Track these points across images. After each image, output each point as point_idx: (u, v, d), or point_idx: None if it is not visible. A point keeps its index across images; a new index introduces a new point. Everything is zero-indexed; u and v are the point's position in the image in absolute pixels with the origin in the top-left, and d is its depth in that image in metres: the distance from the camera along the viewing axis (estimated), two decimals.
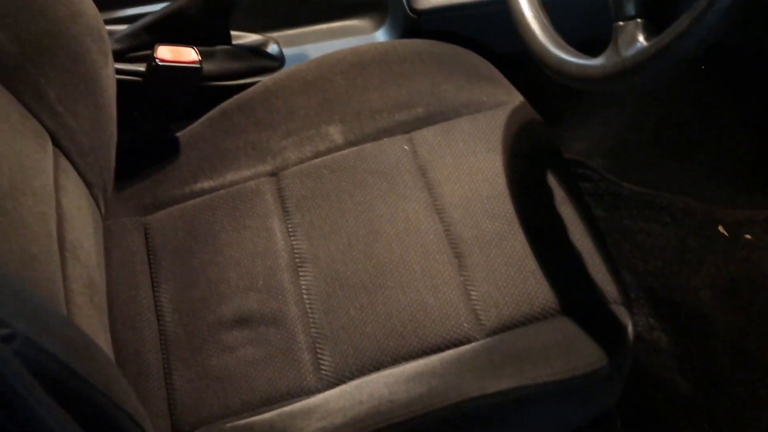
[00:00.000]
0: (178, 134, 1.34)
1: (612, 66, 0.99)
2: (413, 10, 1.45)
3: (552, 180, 1.23)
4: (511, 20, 1.13)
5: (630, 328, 1.11)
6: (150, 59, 1.27)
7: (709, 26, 0.88)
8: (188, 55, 1.31)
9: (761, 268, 1.66)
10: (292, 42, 1.47)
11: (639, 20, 0.99)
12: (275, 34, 1.47)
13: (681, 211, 1.74)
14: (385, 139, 1.28)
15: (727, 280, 1.66)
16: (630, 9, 0.99)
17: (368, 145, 1.27)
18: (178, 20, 1.34)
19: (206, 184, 1.28)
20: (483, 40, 1.46)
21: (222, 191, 1.26)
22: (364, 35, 1.48)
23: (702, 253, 1.69)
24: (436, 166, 1.25)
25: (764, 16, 1.05)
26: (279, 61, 1.43)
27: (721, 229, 1.72)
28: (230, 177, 1.27)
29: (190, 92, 1.32)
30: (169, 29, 1.34)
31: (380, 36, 1.49)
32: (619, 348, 1.09)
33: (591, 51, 1.03)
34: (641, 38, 0.98)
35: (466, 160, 1.25)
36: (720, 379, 1.56)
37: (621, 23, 1.00)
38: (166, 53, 1.28)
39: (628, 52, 0.97)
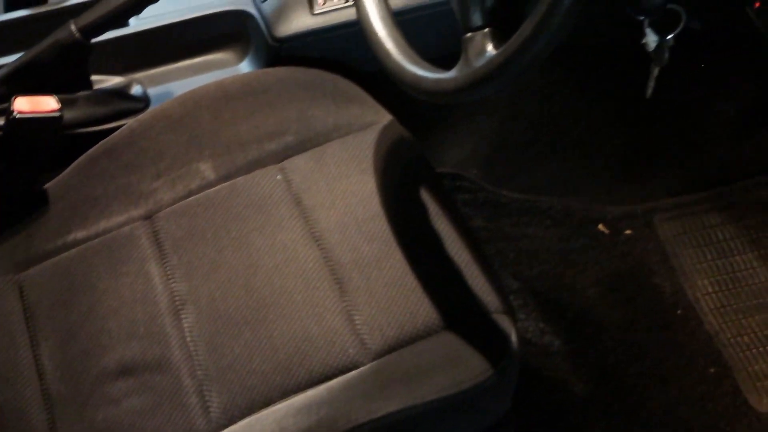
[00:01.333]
0: (47, 186, 1.31)
1: (464, 77, 0.99)
2: (275, 39, 1.45)
3: (426, 195, 1.24)
4: (366, 40, 1.13)
5: (513, 336, 1.11)
6: (8, 112, 1.24)
7: (553, 28, 0.89)
8: (48, 104, 1.28)
9: (643, 261, 1.69)
10: (155, 81, 1.45)
11: (486, 30, 1.00)
12: (138, 75, 1.45)
13: (561, 212, 1.76)
14: (257, 171, 1.27)
15: (612, 277, 1.68)
16: (477, 20, 1.00)
17: (241, 179, 1.26)
18: (35, 69, 1.31)
19: (79, 234, 1.25)
20: (347, 62, 1.46)
21: (96, 240, 1.23)
22: (228, 68, 1.47)
23: (585, 253, 1.71)
24: (309, 192, 1.24)
25: (612, 12, 1.08)
26: (143, 102, 1.41)
27: (601, 227, 1.75)
28: (103, 224, 1.25)
29: (53, 142, 1.29)
30: (26, 79, 1.31)
31: (244, 67, 1.48)
32: (504, 357, 1.10)
33: (450, 65, 1.04)
34: (490, 47, 0.99)
35: (339, 183, 1.25)
36: (613, 373, 1.58)
37: (469, 34, 1.01)
38: (24, 104, 1.25)
39: (479, 63, 0.98)
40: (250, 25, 1.47)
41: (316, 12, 1.44)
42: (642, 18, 1.05)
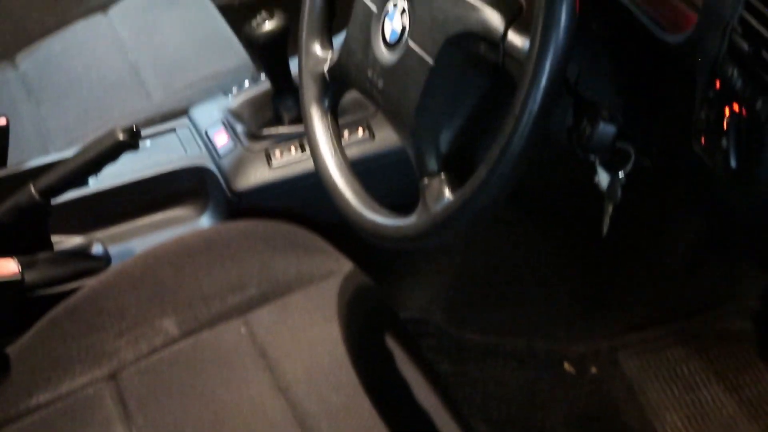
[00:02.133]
0: (7, 349, 1.29)
1: (423, 223, 1.01)
2: (234, 193, 1.46)
3: (391, 342, 1.24)
4: (325, 190, 1.15)
5: None
6: None
7: (506, 171, 0.91)
8: (7, 267, 1.27)
9: (611, 399, 1.69)
10: (116, 239, 1.46)
11: (442, 175, 1.02)
12: (98, 234, 1.45)
13: (526, 353, 1.76)
14: (220, 325, 1.26)
15: (581, 416, 1.67)
16: (432, 165, 1.03)
17: (204, 333, 1.25)
18: None
19: (42, 398, 1.22)
20: (306, 212, 1.47)
21: (59, 404, 1.21)
22: (188, 223, 1.48)
23: (552, 393, 1.71)
24: (275, 344, 1.23)
25: (563, 153, 1.10)
26: (104, 260, 1.41)
27: (567, 366, 1.75)
28: (66, 387, 1.23)
29: (14, 305, 1.28)
30: None
31: (204, 222, 1.49)
32: None
33: (409, 211, 1.06)
34: (447, 192, 1.01)
35: (304, 334, 1.25)
36: None
37: (426, 180, 1.03)
38: None
39: (437, 208, 1.00)
40: (209, 180, 1.49)
41: (274, 165, 1.47)
42: (592, 157, 1.08)
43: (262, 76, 1.60)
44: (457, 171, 1.02)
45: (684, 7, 1.04)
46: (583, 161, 1.09)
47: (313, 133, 1.19)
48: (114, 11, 1.95)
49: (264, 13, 1.45)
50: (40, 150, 1.70)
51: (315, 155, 1.18)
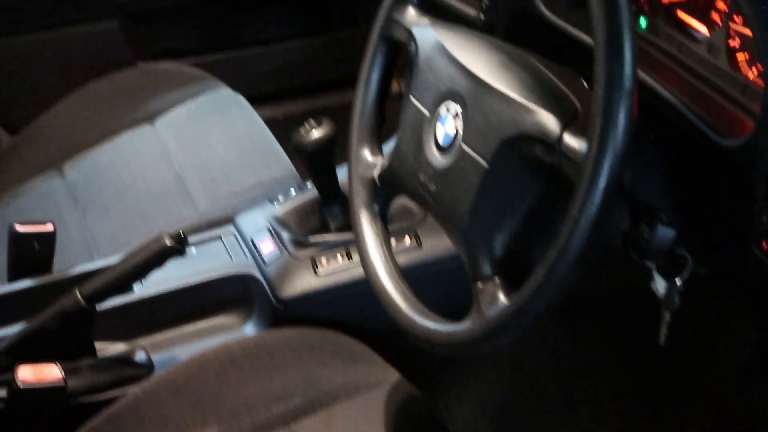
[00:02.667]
0: None
1: (478, 328, 0.99)
2: (279, 300, 1.45)
3: None
4: (375, 296, 1.13)
5: None
6: (10, 382, 1.22)
7: (563, 274, 0.90)
8: (51, 373, 1.26)
9: None
10: (159, 347, 1.44)
11: (497, 279, 1.00)
12: (142, 341, 1.44)
13: None
14: None
15: None
16: (486, 269, 1.01)
17: None
18: (40, 337, 1.30)
19: None
20: (352, 320, 1.46)
21: None
22: (233, 331, 1.47)
23: None
24: None
25: (619, 258, 1.08)
26: (147, 368, 1.39)
27: None
28: None
29: (56, 412, 1.26)
30: (30, 347, 1.30)
31: (249, 330, 1.47)
32: None
33: (460, 316, 1.04)
34: (502, 297, 0.99)
35: None
36: None
37: (480, 285, 1.01)
38: (27, 374, 1.24)
39: (491, 312, 0.98)
40: (254, 287, 1.48)
41: (320, 273, 1.46)
42: (649, 263, 1.06)
43: (308, 184, 1.61)
44: (511, 274, 1.00)
45: (740, 113, 1.03)
46: (638, 267, 1.07)
47: (363, 238, 1.18)
48: (160, 122, 1.98)
49: (312, 121, 1.46)
50: (85, 257, 1.70)
51: (364, 260, 1.16)
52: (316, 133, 1.44)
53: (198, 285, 1.46)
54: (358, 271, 1.45)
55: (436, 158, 1.07)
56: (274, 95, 2.36)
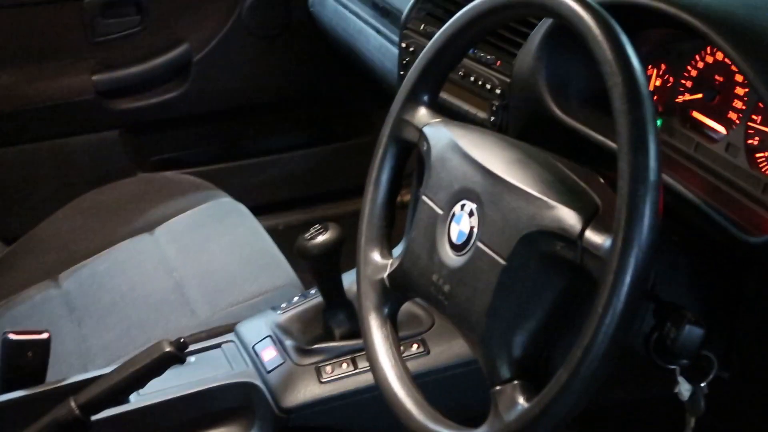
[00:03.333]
0: None
1: None
2: (281, 409, 1.40)
3: None
4: (383, 404, 1.08)
5: None
6: None
7: (588, 377, 0.86)
8: None
9: None
10: None
11: (516, 382, 0.96)
12: None
13: None
14: None
15: None
16: (504, 372, 0.97)
17: None
18: None
19: None
20: (357, 429, 1.40)
21: None
22: None
23: None
24: None
25: (644, 362, 1.04)
26: None
27: None
28: None
29: None
30: None
31: None
32: None
33: (474, 424, 0.99)
34: (521, 400, 0.94)
35: None
36: None
37: (498, 388, 0.97)
38: None
39: (510, 417, 0.93)
40: (256, 396, 1.43)
41: (324, 380, 1.41)
42: (673, 366, 1.01)
43: (312, 291, 1.57)
44: (531, 376, 0.96)
45: (762, 211, 1.01)
46: (659, 371, 1.02)
47: (372, 342, 1.13)
48: (160, 231, 1.95)
49: (318, 226, 1.43)
50: (80, 368, 1.65)
51: (374, 365, 1.12)
52: (321, 238, 1.41)
53: (197, 394, 1.41)
54: (363, 379, 1.40)
55: (451, 257, 1.04)
56: (275, 205, 2.34)
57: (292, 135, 2.38)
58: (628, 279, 0.83)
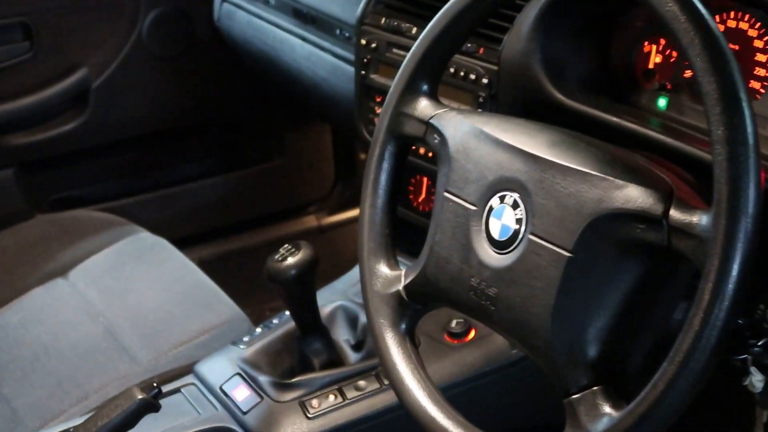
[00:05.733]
0: None
1: None
2: None
3: None
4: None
5: None
6: None
7: (697, 372, 0.76)
8: None
9: None
10: None
11: (595, 388, 0.85)
12: None
13: None
14: None
15: None
16: (581, 378, 0.86)
17: None
18: None
19: None
20: None
21: None
22: None
23: None
24: None
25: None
26: None
27: None
28: None
29: None
30: None
31: None
32: None
33: None
34: (607, 408, 0.84)
35: None
36: None
37: (575, 396, 0.86)
38: None
39: (597, 426, 0.82)
40: None
41: (312, 415, 1.27)
42: (745, 356, 0.93)
43: (275, 321, 1.43)
44: (612, 379, 0.86)
45: None
46: (730, 361, 0.94)
47: (393, 364, 1.01)
48: (75, 274, 1.76)
49: (288, 246, 1.30)
50: None
51: (401, 391, 0.99)
52: (294, 259, 1.27)
53: None
54: (354, 410, 1.29)
55: (493, 257, 0.93)
56: (196, 237, 2.17)
57: (204, 161, 2.22)
58: (737, 254, 0.74)
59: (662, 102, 1.15)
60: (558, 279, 0.86)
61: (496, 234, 0.93)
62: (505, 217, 0.92)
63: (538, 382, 1.33)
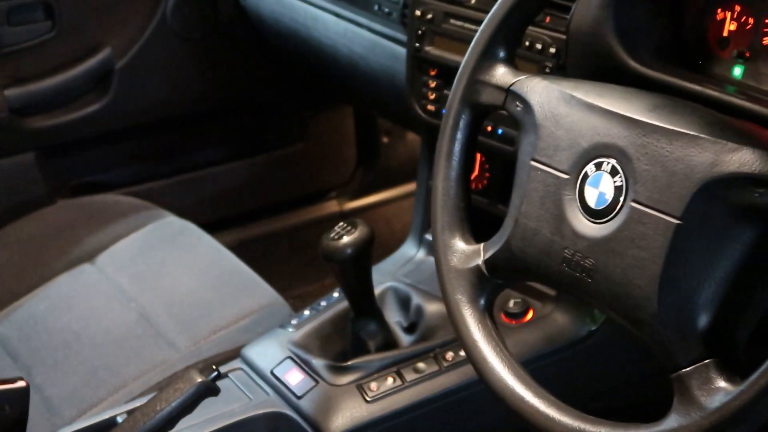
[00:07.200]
0: None
1: (698, 424, 0.78)
2: None
3: None
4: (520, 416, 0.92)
5: None
6: None
7: None
8: None
9: None
10: None
11: (707, 361, 0.81)
12: None
13: None
14: None
15: None
16: (693, 350, 0.82)
17: None
18: None
19: None
20: None
21: None
22: None
23: None
24: None
25: None
26: None
27: None
28: None
29: None
30: None
31: None
32: None
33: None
34: (721, 381, 0.80)
35: None
36: None
37: (687, 370, 0.82)
38: None
39: (714, 402, 0.78)
40: (287, 427, 1.23)
41: (371, 398, 1.23)
42: None
43: (323, 302, 1.39)
44: (725, 351, 0.82)
45: None
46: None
47: (474, 343, 0.97)
48: (102, 259, 1.71)
49: (343, 224, 1.25)
50: (46, 426, 1.41)
51: (484, 369, 0.95)
52: (351, 237, 1.23)
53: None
54: (414, 393, 1.25)
55: (589, 226, 0.88)
56: (224, 221, 2.12)
57: (226, 145, 2.17)
58: None
59: (738, 71, 1.11)
60: (665, 248, 0.82)
61: (592, 202, 0.89)
62: (602, 184, 0.88)
63: (605, 360, 1.30)
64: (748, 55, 1.10)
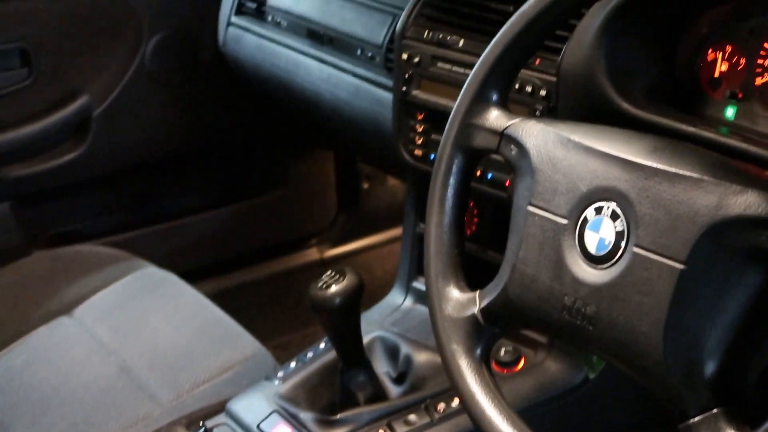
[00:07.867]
0: None
1: None
2: None
3: None
4: None
5: None
6: None
7: None
8: None
9: None
10: None
11: (716, 410, 0.78)
12: None
13: None
14: None
15: None
16: (700, 399, 0.79)
17: None
18: None
19: None
20: None
21: None
22: None
23: None
24: None
25: None
26: None
27: None
28: None
29: None
30: None
31: None
32: None
33: None
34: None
35: None
36: None
37: (695, 420, 0.79)
38: None
39: None
40: None
41: None
42: None
43: (309, 354, 1.35)
44: (734, 399, 0.79)
45: None
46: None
47: (472, 395, 0.93)
48: (81, 311, 1.67)
49: (331, 272, 1.22)
50: None
51: (482, 421, 0.92)
52: (339, 286, 1.20)
53: None
54: None
55: (590, 273, 0.86)
56: (203, 270, 2.08)
57: (205, 192, 2.14)
58: None
59: (730, 112, 1.10)
60: (670, 293, 0.80)
61: (592, 248, 0.86)
62: (603, 229, 0.86)
63: (599, 410, 1.27)
64: (740, 96, 1.08)
